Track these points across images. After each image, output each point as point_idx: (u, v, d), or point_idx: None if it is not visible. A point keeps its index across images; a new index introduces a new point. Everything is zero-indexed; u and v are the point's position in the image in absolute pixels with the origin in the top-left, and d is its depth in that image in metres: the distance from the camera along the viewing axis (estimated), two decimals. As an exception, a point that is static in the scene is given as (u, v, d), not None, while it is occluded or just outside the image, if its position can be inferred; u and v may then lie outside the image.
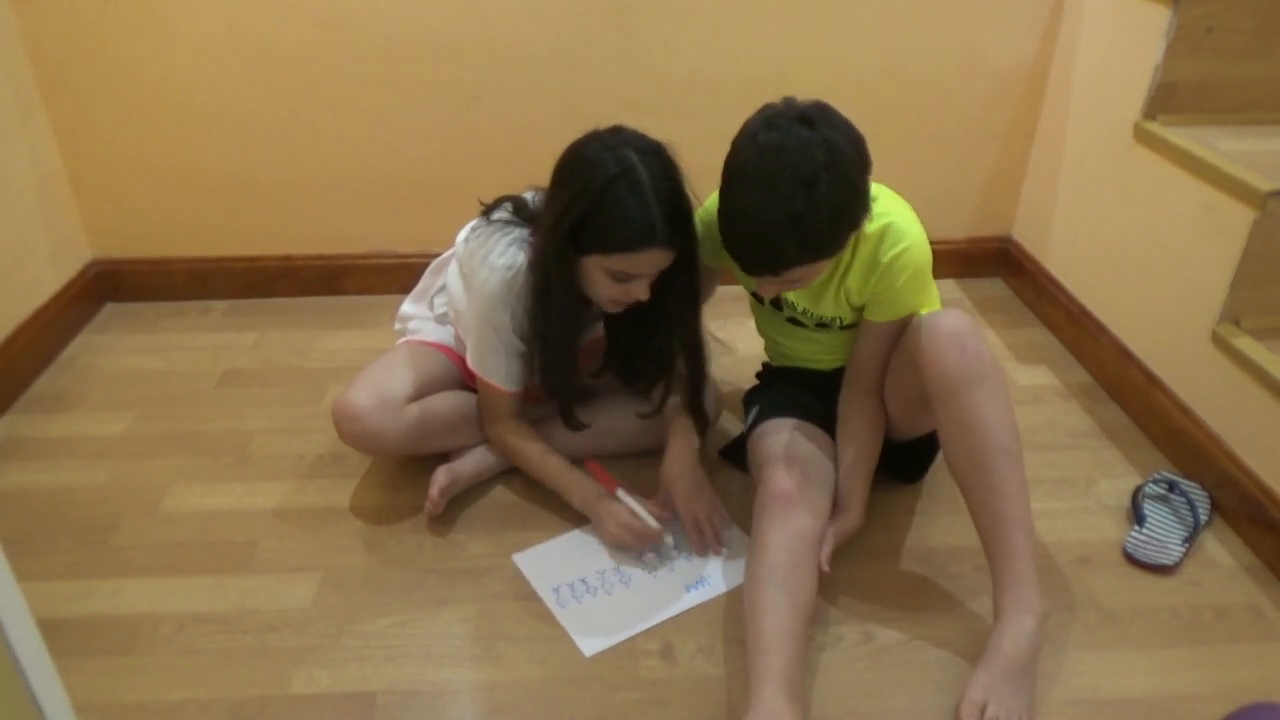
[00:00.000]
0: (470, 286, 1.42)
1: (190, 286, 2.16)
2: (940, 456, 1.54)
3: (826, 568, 1.27)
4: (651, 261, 1.28)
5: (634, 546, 1.41)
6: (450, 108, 2.02)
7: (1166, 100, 1.73)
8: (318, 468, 1.63)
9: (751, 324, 1.63)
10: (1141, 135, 1.74)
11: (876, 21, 1.99)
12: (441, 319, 1.62)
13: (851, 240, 1.28)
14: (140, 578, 1.39)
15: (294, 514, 1.52)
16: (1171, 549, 1.43)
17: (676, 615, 1.33)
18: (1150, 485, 1.55)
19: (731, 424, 1.72)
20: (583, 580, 1.39)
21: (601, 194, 1.23)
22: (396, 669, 1.25)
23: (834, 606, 1.35)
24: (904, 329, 1.40)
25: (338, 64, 1.95)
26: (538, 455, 1.49)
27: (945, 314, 1.27)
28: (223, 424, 1.74)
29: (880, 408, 1.43)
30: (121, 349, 1.99)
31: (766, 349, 1.66)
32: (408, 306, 1.68)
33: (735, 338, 1.99)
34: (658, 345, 1.46)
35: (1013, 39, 2.05)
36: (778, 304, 1.47)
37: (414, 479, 1.54)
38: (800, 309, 1.44)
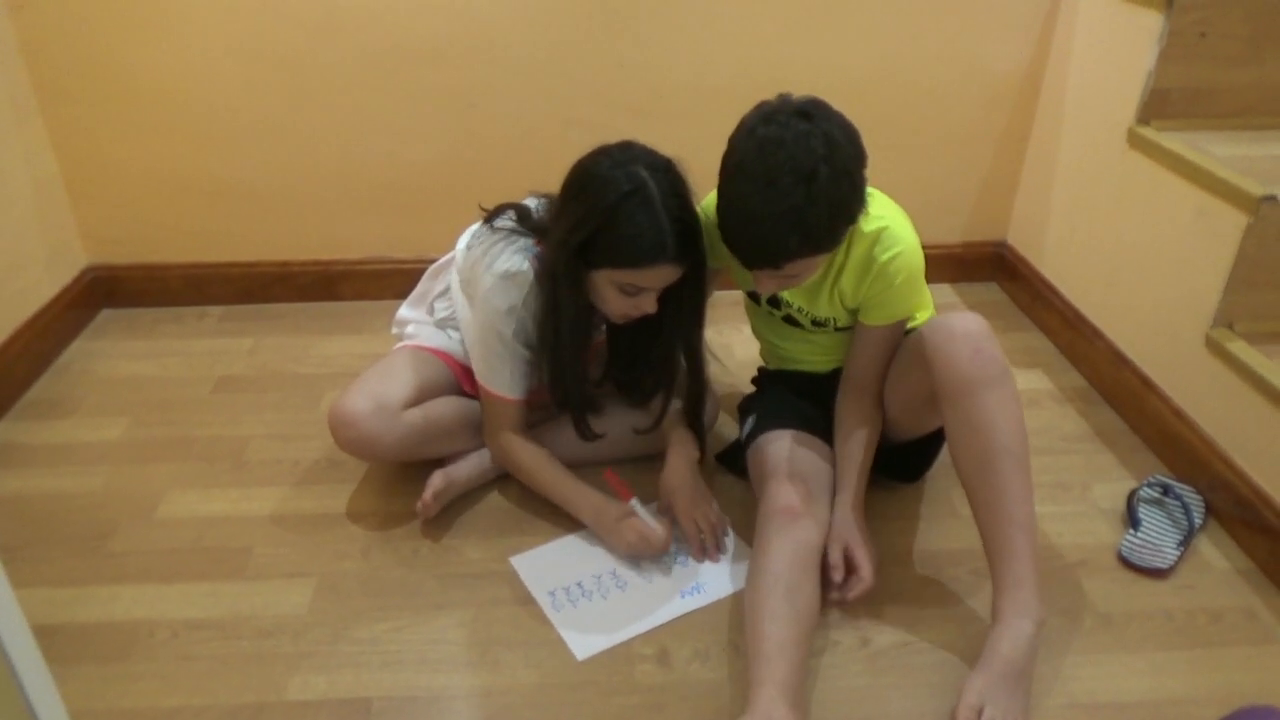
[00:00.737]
0: (474, 294, 1.42)
1: (186, 292, 2.16)
2: (940, 458, 1.54)
3: (850, 597, 1.29)
4: (661, 276, 1.30)
5: (650, 557, 1.42)
6: (447, 113, 2.02)
7: (1160, 105, 1.74)
8: (314, 473, 1.63)
9: (748, 328, 1.63)
10: (1135, 140, 1.75)
11: (871, 27, 2.00)
12: (441, 324, 1.62)
13: (846, 238, 1.29)
14: (136, 584, 1.39)
15: (290, 520, 1.52)
16: (1166, 553, 1.43)
17: (671, 620, 1.33)
18: (1145, 489, 1.56)
19: (728, 428, 1.72)
20: (579, 584, 1.39)
21: (613, 210, 1.25)
22: (392, 675, 1.25)
23: (830, 610, 1.35)
24: (899, 333, 1.41)
25: (334, 69, 1.96)
26: (545, 471, 1.49)
27: (960, 316, 1.27)
28: (219, 430, 1.74)
29: (877, 411, 1.44)
30: (117, 354, 1.99)
31: (762, 352, 1.66)
32: (405, 311, 1.68)
33: (732, 342, 2.00)
34: (660, 355, 1.46)
35: (1007, 45, 2.06)
36: (775, 303, 1.48)
37: (410, 485, 1.54)
38: (796, 307, 1.45)
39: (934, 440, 1.48)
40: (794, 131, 1.15)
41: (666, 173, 1.28)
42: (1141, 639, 1.31)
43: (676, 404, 1.53)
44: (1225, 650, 1.30)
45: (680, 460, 1.47)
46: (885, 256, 1.31)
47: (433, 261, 1.65)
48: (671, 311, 1.38)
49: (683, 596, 1.37)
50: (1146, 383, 1.73)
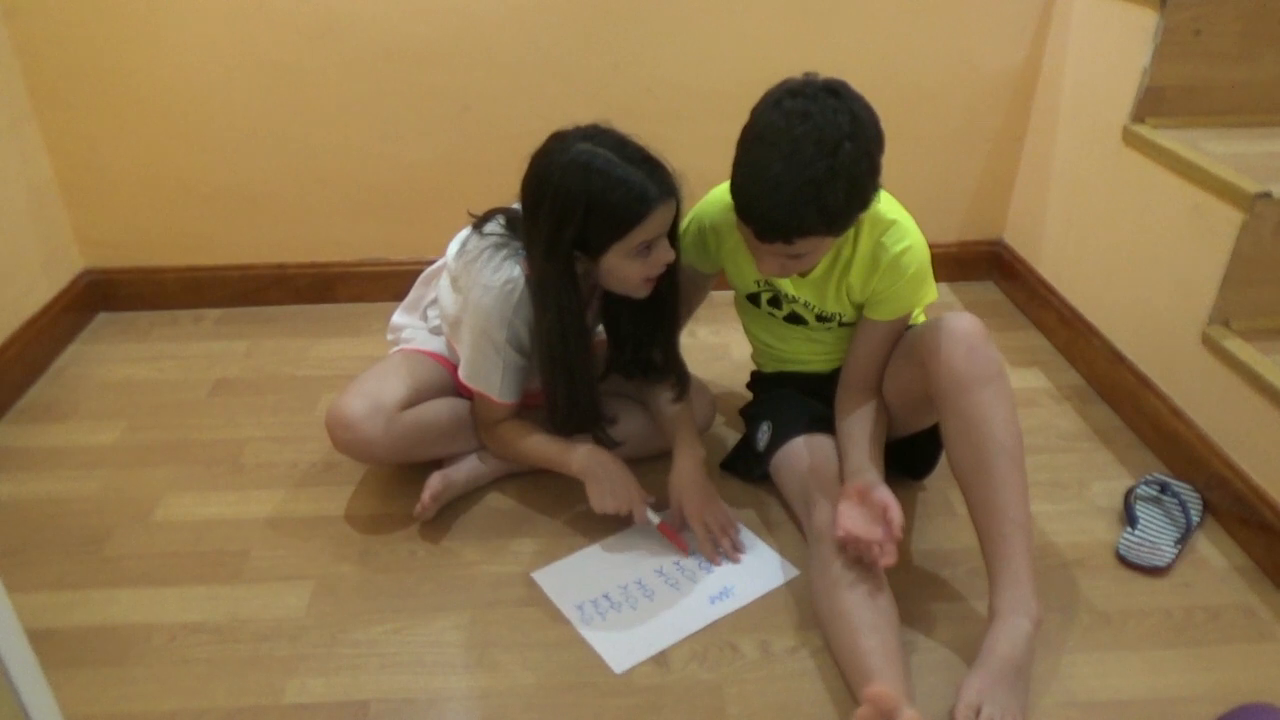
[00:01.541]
0: (465, 301, 1.41)
1: (182, 295, 2.16)
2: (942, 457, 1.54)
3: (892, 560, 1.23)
4: (661, 218, 1.29)
5: (618, 511, 1.41)
6: (442, 116, 2.02)
7: (1155, 103, 1.74)
8: (311, 476, 1.62)
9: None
10: (1130, 138, 1.75)
11: (867, 27, 2.00)
12: (435, 330, 1.61)
13: (854, 228, 1.29)
14: (132, 587, 1.39)
15: (287, 522, 1.52)
16: (1164, 550, 1.43)
17: (706, 627, 1.32)
18: (1142, 487, 1.56)
19: (727, 433, 1.72)
20: (605, 596, 1.37)
21: (587, 192, 1.25)
22: (390, 677, 1.24)
23: (828, 611, 1.35)
24: (901, 330, 1.41)
25: (329, 73, 1.96)
26: (529, 439, 1.49)
27: (956, 316, 1.28)
28: (215, 433, 1.74)
29: (880, 404, 1.43)
30: (114, 358, 1.99)
31: (756, 356, 1.66)
32: (399, 318, 1.67)
33: (730, 342, 2.00)
34: (662, 319, 1.47)
35: (1002, 44, 2.06)
36: (776, 303, 1.48)
37: (407, 487, 1.54)
38: (803, 302, 1.44)
39: (938, 436, 1.48)
40: (821, 105, 1.16)
41: (601, 134, 1.29)
42: (1139, 637, 1.31)
43: (676, 403, 1.52)
44: (1223, 648, 1.30)
45: (688, 461, 1.46)
46: (898, 248, 1.32)
47: (429, 263, 1.64)
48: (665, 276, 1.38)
49: (712, 602, 1.36)
50: (1143, 380, 1.73)
